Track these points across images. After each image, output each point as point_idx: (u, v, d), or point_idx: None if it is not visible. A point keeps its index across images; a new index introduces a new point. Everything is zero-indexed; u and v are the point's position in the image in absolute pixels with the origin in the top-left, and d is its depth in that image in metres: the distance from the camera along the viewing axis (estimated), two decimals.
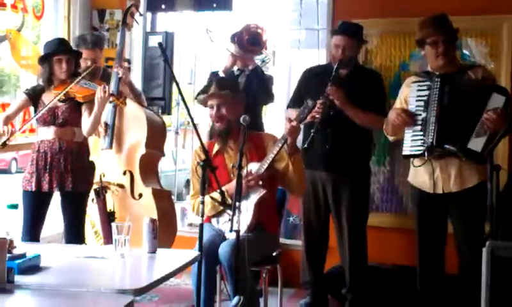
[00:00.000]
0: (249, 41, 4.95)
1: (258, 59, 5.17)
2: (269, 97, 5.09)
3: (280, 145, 3.84)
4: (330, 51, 4.70)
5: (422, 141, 3.90)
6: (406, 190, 5.01)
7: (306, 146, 4.28)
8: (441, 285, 4.07)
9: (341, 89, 4.38)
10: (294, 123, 3.81)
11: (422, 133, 3.89)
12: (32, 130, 4.79)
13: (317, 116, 4.28)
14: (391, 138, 4.25)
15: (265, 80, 5.07)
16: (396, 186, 5.09)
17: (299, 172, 3.93)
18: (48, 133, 4.35)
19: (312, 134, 4.25)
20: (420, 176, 4.05)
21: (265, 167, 3.85)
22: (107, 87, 4.28)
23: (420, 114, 3.92)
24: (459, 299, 4.07)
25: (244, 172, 3.83)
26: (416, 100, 3.96)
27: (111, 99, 4.35)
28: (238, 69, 5.07)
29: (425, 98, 3.91)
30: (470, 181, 3.92)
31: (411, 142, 3.96)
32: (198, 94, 5.05)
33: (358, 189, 4.61)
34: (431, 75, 3.97)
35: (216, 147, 4.09)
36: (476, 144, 3.78)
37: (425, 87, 3.94)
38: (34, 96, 4.40)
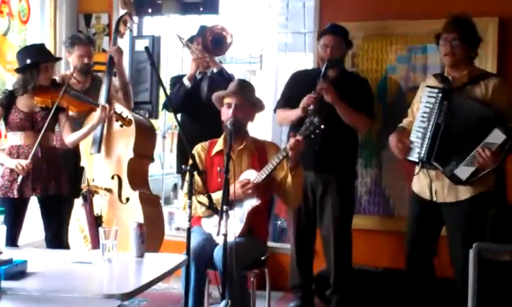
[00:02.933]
0: (213, 42, 4.94)
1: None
2: None
3: (281, 157, 3.82)
4: (318, 53, 4.71)
5: (418, 151, 3.91)
6: (393, 193, 5.05)
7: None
8: (431, 289, 4.06)
9: (331, 86, 4.40)
10: (299, 138, 3.78)
11: (420, 142, 3.90)
12: None
13: (309, 108, 4.30)
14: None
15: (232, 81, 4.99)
16: (383, 189, 5.10)
17: (297, 186, 3.93)
18: (24, 138, 4.32)
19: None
20: (420, 182, 4.05)
21: (263, 177, 3.85)
22: (111, 107, 4.33)
23: (424, 121, 3.90)
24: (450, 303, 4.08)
25: (242, 178, 3.85)
26: (425, 106, 3.94)
27: (115, 118, 4.35)
28: (199, 72, 5.04)
29: (430, 106, 3.89)
30: (463, 194, 3.87)
31: (411, 148, 3.98)
32: (167, 99, 5.04)
33: (345, 190, 4.64)
34: (443, 80, 3.96)
35: (218, 147, 4.08)
36: (463, 172, 3.77)
37: (433, 94, 3.90)
38: (7, 105, 4.35)
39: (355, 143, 4.73)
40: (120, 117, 4.35)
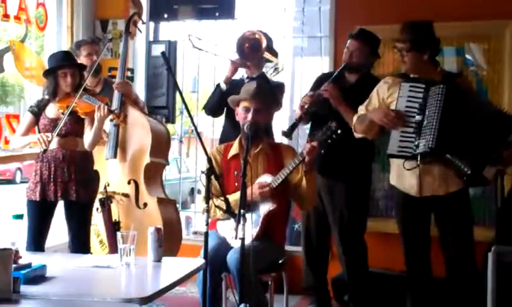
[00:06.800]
0: (251, 49, 4.89)
1: (269, 67, 5.06)
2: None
3: (297, 162, 3.83)
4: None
5: (414, 145, 3.75)
6: None
7: (286, 130, 4.34)
8: (430, 289, 4.02)
9: (337, 88, 4.36)
10: (315, 143, 3.78)
11: (414, 136, 3.76)
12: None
13: (305, 106, 4.31)
14: (358, 135, 4.12)
15: (273, 87, 4.84)
16: None
17: (311, 189, 3.94)
18: (51, 143, 4.37)
19: (294, 122, 4.27)
20: (406, 179, 3.94)
21: (279, 181, 3.85)
22: (105, 105, 4.31)
23: (414, 116, 3.76)
24: (446, 302, 4.04)
25: (260, 181, 3.85)
26: (408, 101, 3.80)
27: (111, 117, 4.37)
28: (247, 77, 4.96)
29: (419, 101, 3.75)
30: (452, 186, 3.82)
31: (400, 142, 3.82)
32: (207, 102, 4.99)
33: (355, 195, 4.54)
34: (418, 80, 3.83)
35: (233, 150, 4.08)
36: (489, 172, 3.75)
37: (420, 90, 3.77)
38: (38, 112, 4.43)
39: (369, 150, 4.61)
40: (115, 116, 4.38)
